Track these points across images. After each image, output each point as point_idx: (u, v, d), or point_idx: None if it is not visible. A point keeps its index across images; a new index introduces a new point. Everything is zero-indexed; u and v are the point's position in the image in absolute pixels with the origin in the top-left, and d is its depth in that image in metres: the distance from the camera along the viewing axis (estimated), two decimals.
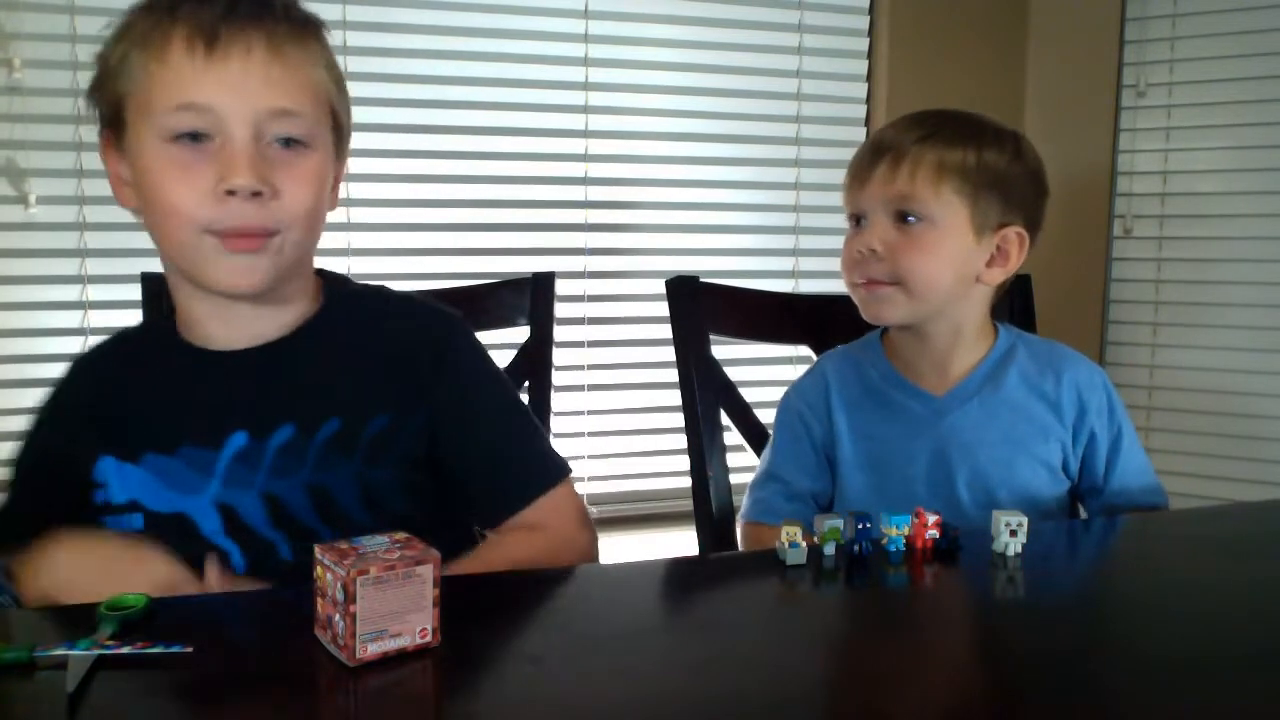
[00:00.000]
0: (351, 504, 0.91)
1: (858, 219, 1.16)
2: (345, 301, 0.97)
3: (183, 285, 0.91)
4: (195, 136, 0.81)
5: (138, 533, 0.88)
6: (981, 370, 1.18)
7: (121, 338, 1.00)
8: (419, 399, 0.94)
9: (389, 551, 0.67)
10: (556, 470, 0.99)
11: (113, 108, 0.85)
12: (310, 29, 0.88)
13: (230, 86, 0.80)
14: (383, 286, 1.02)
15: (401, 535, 0.71)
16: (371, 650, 0.65)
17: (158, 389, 0.92)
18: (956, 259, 1.12)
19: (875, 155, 1.13)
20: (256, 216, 0.83)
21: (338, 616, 0.65)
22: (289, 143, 0.85)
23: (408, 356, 0.95)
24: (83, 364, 0.98)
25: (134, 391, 0.93)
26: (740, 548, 1.24)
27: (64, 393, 0.96)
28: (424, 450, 0.94)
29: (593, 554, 0.99)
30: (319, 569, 0.66)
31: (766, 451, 1.25)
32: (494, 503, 0.96)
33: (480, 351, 1.01)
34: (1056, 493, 1.17)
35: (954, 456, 1.14)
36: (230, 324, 0.91)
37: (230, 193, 0.81)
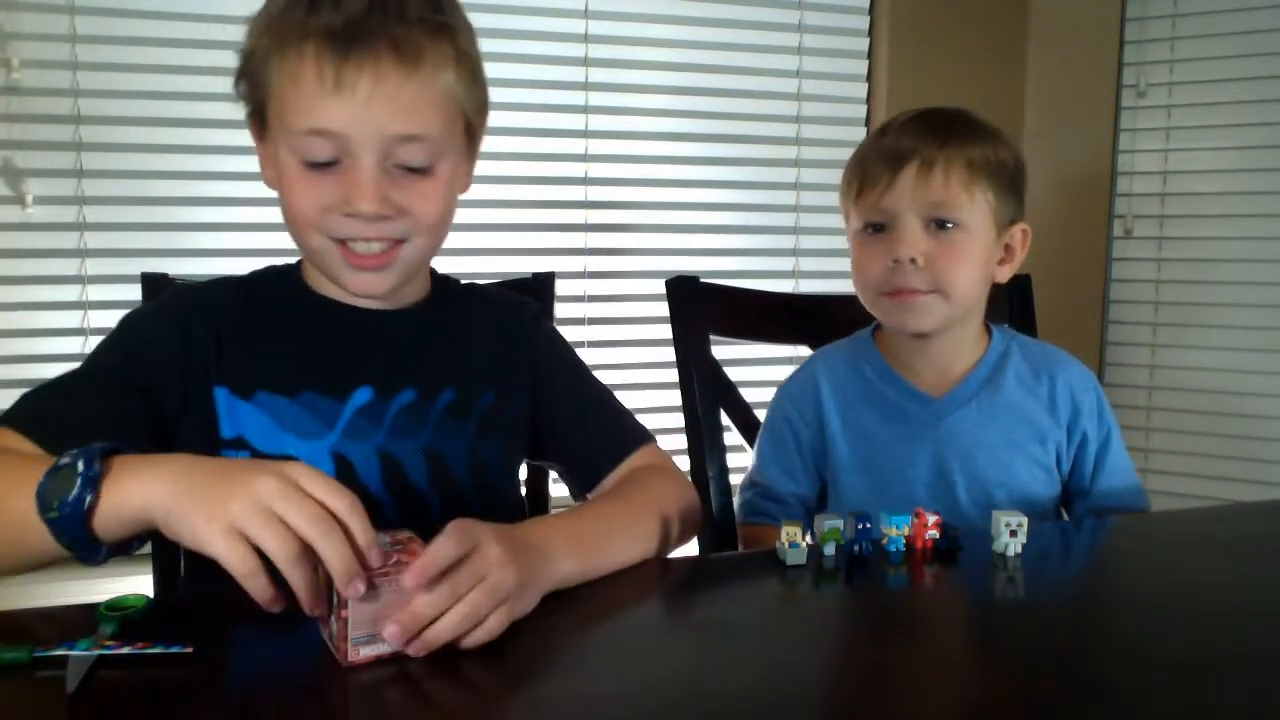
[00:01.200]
0: (462, 472, 0.94)
1: (874, 226, 1.14)
2: (451, 290, 1.03)
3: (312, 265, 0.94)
4: (319, 162, 0.84)
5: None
6: (979, 372, 1.18)
7: (241, 281, 0.98)
8: (520, 377, 1.01)
9: (385, 555, 0.66)
10: (646, 430, 1.05)
11: (256, 102, 0.87)
12: (444, 29, 0.86)
13: (358, 113, 0.81)
14: (474, 283, 1.08)
15: (404, 535, 0.70)
16: (364, 654, 0.65)
17: (284, 332, 0.93)
18: (985, 261, 1.13)
19: (896, 161, 1.10)
20: (381, 230, 0.86)
21: (333, 617, 0.65)
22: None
23: (507, 340, 1.02)
24: (195, 295, 0.94)
25: (258, 330, 0.92)
26: (740, 548, 1.25)
27: (188, 311, 0.90)
28: (526, 426, 1.01)
29: (696, 497, 1.01)
30: (321, 568, 0.66)
31: (753, 453, 1.25)
32: (602, 452, 1.01)
33: (558, 333, 1.10)
34: (1052, 494, 1.18)
35: (953, 459, 1.14)
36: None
37: (348, 215, 0.85)
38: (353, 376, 0.92)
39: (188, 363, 0.88)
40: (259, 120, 0.89)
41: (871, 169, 1.12)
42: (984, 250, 1.12)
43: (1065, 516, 1.22)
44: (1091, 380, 1.21)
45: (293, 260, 1.01)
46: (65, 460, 0.67)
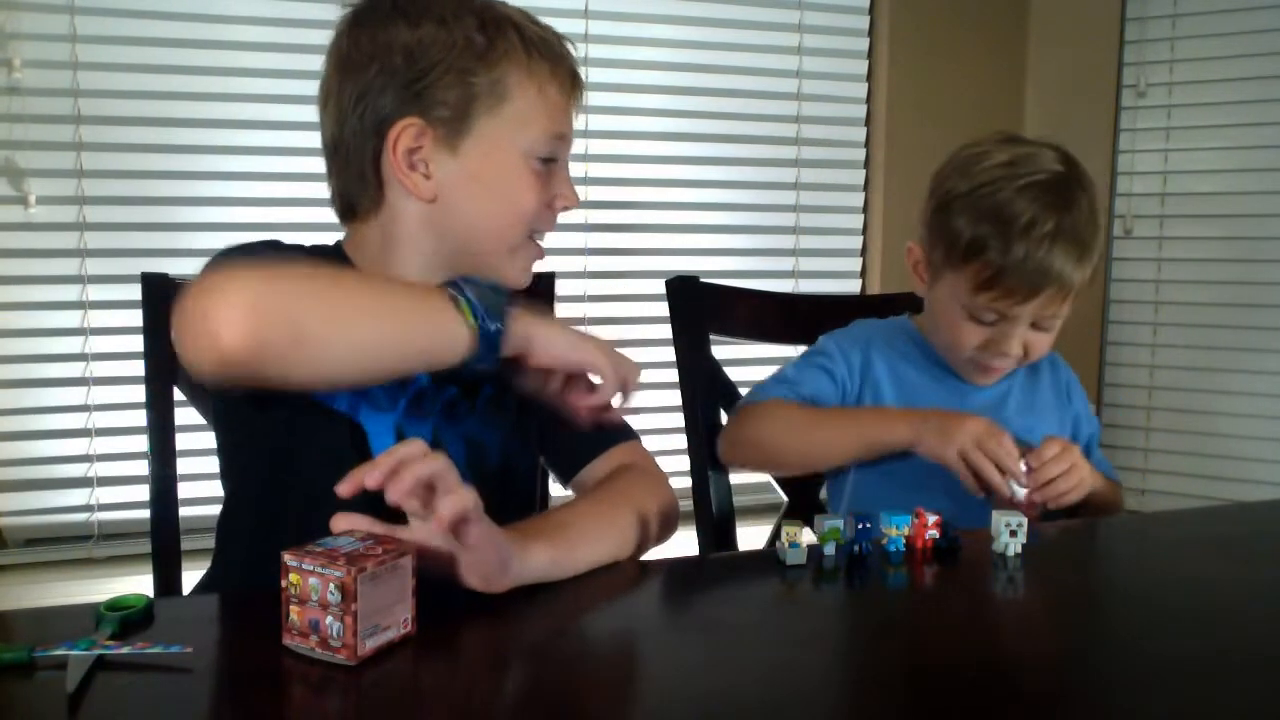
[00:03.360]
0: (496, 461, 0.99)
1: (984, 316, 1.14)
2: None
3: (430, 262, 0.95)
4: (548, 160, 0.95)
5: None
6: (1021, 371, 1.24)
7: (304, 254, 0.97)
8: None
9: (370, 548, 0.68)
10: (629, 426, 1.09)
11: (456, 109, 0.90)
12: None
13: (573, 124, 0.98)
14: None
15: (360, 532, 0.71)
16: (369, 646, 0.65)
17: None
18: None
19: (1037, 283, 1.10)
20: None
21: (329, 618, 0.65)
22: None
23: None
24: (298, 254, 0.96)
25: None
26: (727, 431, 1.24)
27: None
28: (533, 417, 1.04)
29: (674, 497, 1.05)
30: (294, 575, 0.66)
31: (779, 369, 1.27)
32: (584, 443, 1.05)
33: None
34: None
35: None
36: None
37: (565, 209, 0.98)
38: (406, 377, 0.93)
39: None
40: (445, 126, 0.91)
41: (1009, 279, 1.10)
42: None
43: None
44: (1068, 366, 1.31)
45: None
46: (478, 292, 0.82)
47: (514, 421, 1.02)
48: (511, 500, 1.02)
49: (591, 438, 1.05)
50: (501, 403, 1.01)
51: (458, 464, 0.90)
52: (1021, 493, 1.05)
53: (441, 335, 0.80)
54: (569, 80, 0.95)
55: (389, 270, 0.96)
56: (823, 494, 1.37)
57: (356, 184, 0.94)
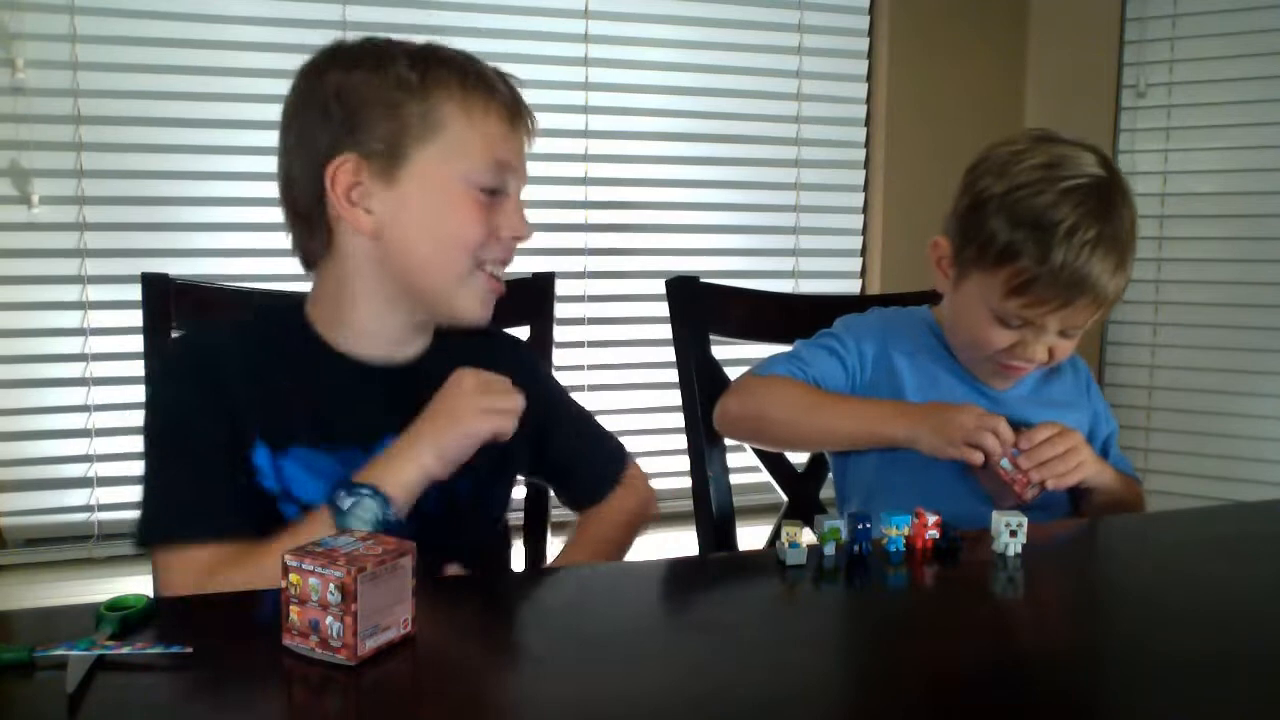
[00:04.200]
0: (467, 503, 1.01)
1: (1012, 320, 1.12)
2: (445, 333, 1.05)
3: (383, 302, 0.97)
4: (493, 191, 0.95)
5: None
6: (1038, 372, 1.22)
7: (246, 326, 1.03)
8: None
9: (370, 547, 0.68)
10: (622, 445, 1.21)
11: (388, 141, 0.92)
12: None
13: (520, 154, 0.98)
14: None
15: (359, 531, 0.71)
16: (369, 646, 0.65)
17: (311, 388, 0.96)
18: None
19: (1072, 291, 1.07)
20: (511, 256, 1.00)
21: (329, 619, 0.65)
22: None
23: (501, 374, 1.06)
24: (213, 348, 0.97)
25: (285, 386, 0.95)
26: (726, 399, 1.23)
27: (207, 376, 0.94)
28: (528, 457, 1.10)
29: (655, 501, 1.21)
30: (294, 575, 0.66)
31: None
32: (600, 477, 1.16)
33: (537, 356, 1.20)
34: None
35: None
36: (398, 346, 1.00)
37: (515, 239, 0.98)
38: (378, 427, 0.95)
39: (231, 417, 0.93)
40: (380, 161, 0.93)
41: (1044, 286, 1.07)
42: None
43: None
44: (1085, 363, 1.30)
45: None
46: (348, 500, 0.85)
47: (493, 458, 1.00)
48: (483, 528, 1.08)
49: (601, 476, 1.16)
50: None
51: (429, 508, 0.95)
52: (1007, 463, 1.05)
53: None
54: (508, 111, 0.96)
55: (345, 324, 0.97)
56: (823, 494, 1.37)
57: (307, 230, 0.98)
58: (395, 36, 0.97)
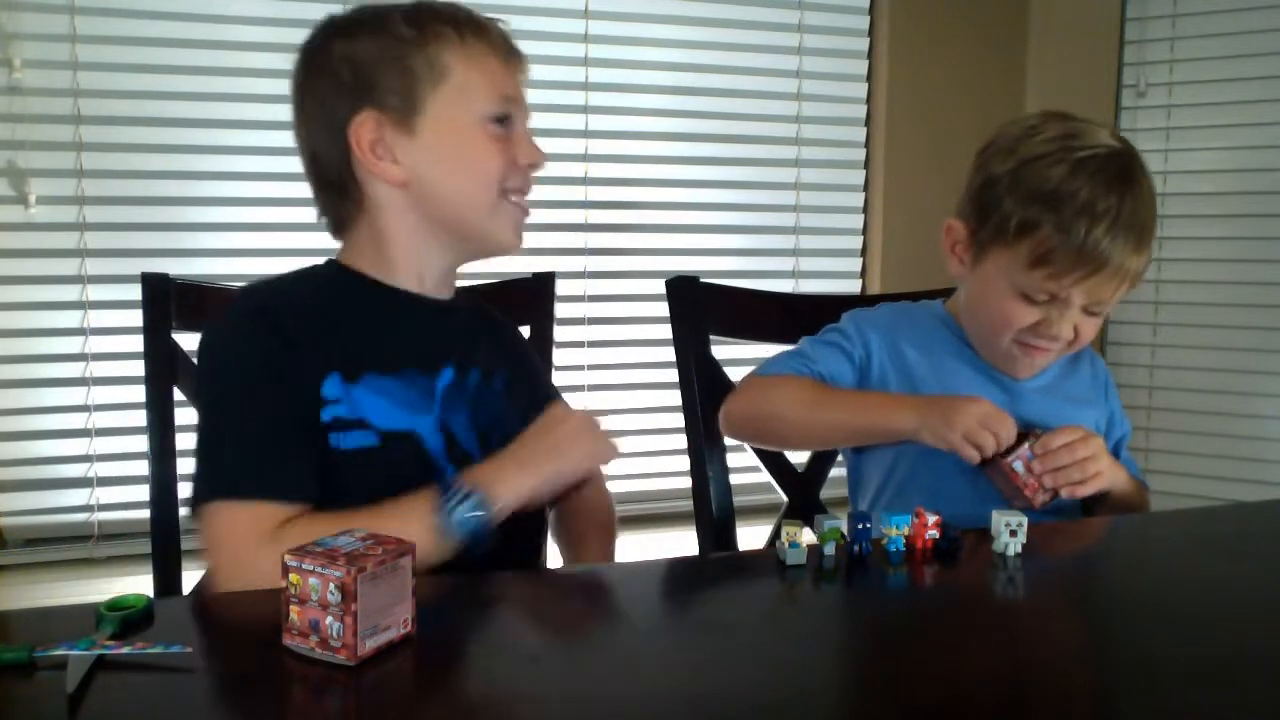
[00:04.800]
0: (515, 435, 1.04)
1: (1037, 295, 1.10)
2: (462, 290, 1.12)
3: (423, 242, 1.02)
4: (503, 121, 1.00)
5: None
6: (1061, 362, 1.21)
7: (298, 279, 1.05)
8: (528, 370, 1.17)
9: (370, 547, 0.68)
10: None
11: (402, 93, 0.97)
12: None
13: (520, 88, 1.05)
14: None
15: (361, 532, 0.71)
16: (369, 646, 0.65)
17: (370, 319, 1.01)
18: None
19: (1093, 265, 1.05)
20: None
21: (329, 619, 0.65)
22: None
23: (513, 339, 1.19)
24: (276, 300, 1.00)
25: (345, 318, 1.00)
26: (732, 400, 1.21)
27: (274, 327, 0.95)
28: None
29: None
30: (294, 575, 0.66)
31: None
32: None
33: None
34: None
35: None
36: (442, 281, 1.06)
37: (532, 166, 1.03)
38: (439, 356, 1.02)
39: (301, 360, 0.94)
40: (396, 113, 0.97)
41: (1067, 256, 1.05)
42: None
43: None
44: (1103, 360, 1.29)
45: (294, 262, 1.07)
46: (456, 496, 0.89)
47: (530, 410, 1.05)
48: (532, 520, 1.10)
49: None
50: (515, 392, 1.09)
51: (495, 443, 1.00)
52: (1020, 465, 1.04)
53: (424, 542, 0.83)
54: (503, 48, 1.03)
55: (390, 263, 1.02)
56: (823, 494, 1.37)
57: (338, 194, 1.01)
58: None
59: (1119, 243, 1.05)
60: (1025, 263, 1.07)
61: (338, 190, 1.01)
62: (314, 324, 0.97)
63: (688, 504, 1.35)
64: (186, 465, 1.14)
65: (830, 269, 2.32)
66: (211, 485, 0.89)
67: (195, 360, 1.00)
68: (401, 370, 0.98)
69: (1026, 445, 1.05)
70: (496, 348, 1.12)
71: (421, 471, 0.95)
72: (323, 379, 0.94)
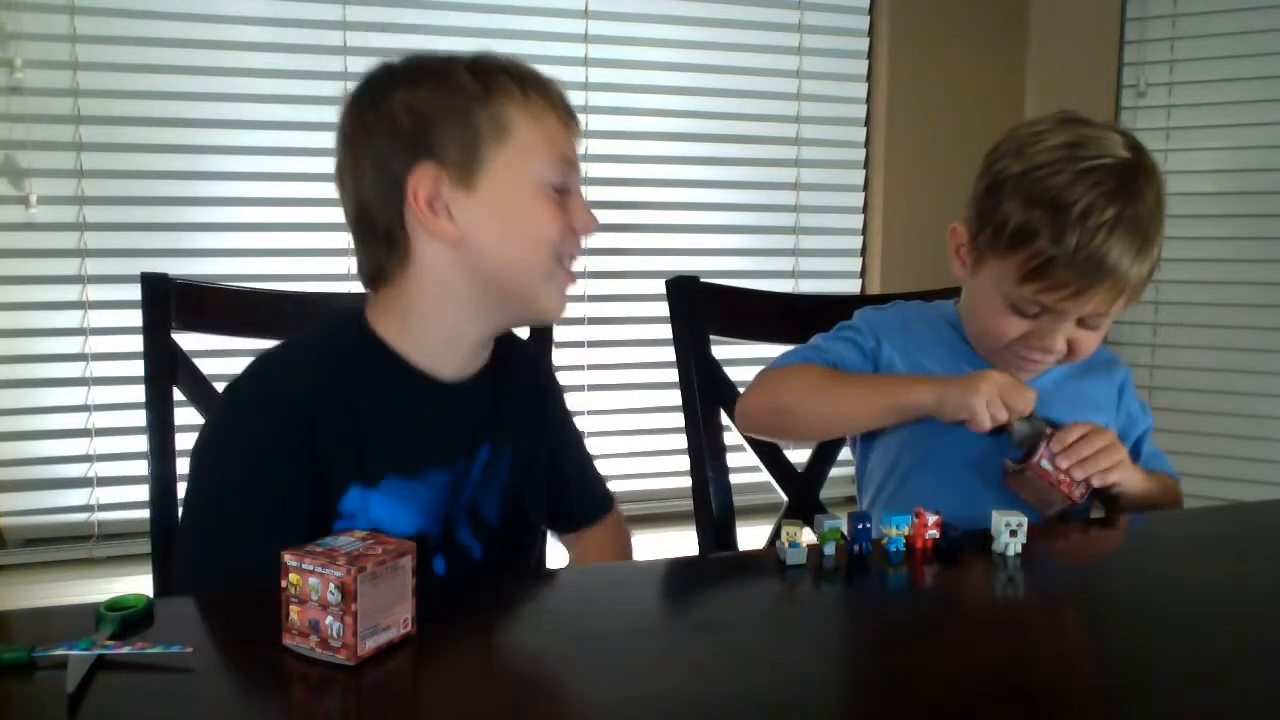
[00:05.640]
0: (516, 510, 1.04)
1: (1028, 308, 1.08)
2: (499, 344, 1.06)
3: (465, 309, 0.96)
4: (562, 185, 0.97)
5: None
6: (1076, 366, 1.18)
7: (320, 353, 0.97)
8: (543, 421, 1.11)
9: (370, 547, 0.68)
10: (612, 495, 1.23)
11: (464, 148, 0.93)
12: None
13: (576, 150, 1.02)
14: (507, 331, 1.09)
15: (359, 532, 0.71)
16: (369, 646, 0.65)
17: (396, 413, 0.95)
18: None
19: (1091, 277, 1.03)
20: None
21: (329, 618, 0.65)
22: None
23: (533, 388, 1.12)
24: (297, 387, 0.92)
25: (372, 414, 0.94)
26: (746, 396, 1.21)
27: (294, 419, 0.90)
28: (546, 464, 1.11)
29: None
30: (294, 575, 0.66)
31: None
32: (588, 505, 1.19)
33: (555, 377, 1.20)
34: None
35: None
36: (469, 360, 1.00)
37: (585, 232, 1.00)
38: (455, 447, 0.99)
39: (316, 460, 0.91)
40: (456, 168, 0.93)
41: (1060, 270, 1.03)
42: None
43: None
44: (1123, 362, 1.27)
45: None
46: None
47: (534, 468, 1.07)
48: (529, 535, 1.09)
49: (592, 505, 1.19)
50: (522, 458, 1.05)
51: (493, 519, 1.01)
52: (1047, 464, 1.03)
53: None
54: (563, 109, 0.99)
55: (421, 328, 0.96)
56: (823, 494, 1.37)
57: (385, 247, 0.95)
58: (441, 49, 0.98)
59: (1113, 256, 1.02)
60: (1017, 275, 1.05)
61: (385, 243, 0.94)
62: (339, 423, 0.91)
63: (688, 504, 1.35)
64: (186, 466, 1.15)
65: (830, 269, 2.32)
66: (204, 582, 0.88)
67: (204, 425, 0.97)
68: (422, 471, 0.95)
69: (1043, 446, 1.04)
70: (513, 415, 1.05)
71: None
72: (343, 493, 0.91)
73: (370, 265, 0.97)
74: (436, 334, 0.96)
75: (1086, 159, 1.04)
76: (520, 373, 1.09)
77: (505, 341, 1.06)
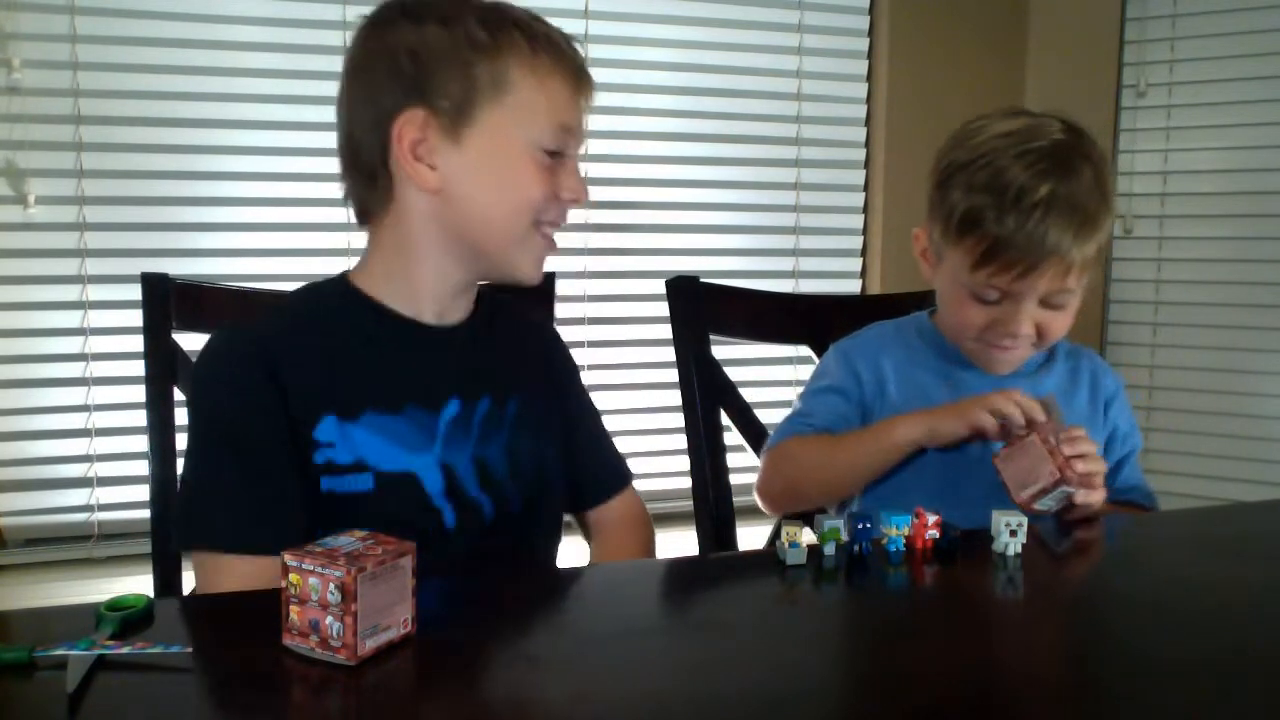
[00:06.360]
0: (532, 468, 1.03)
1: (986, 294, 1.10)
2: (489, 304, 1.07)
3: (441, 258, 0.97)
4: (554, 152, 0.95)
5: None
6: (1035, 360, 1.20)
7: (293, 308, 1.01)
8: (549, 384, 1.10)
9: (370, 547, 0.68)
10: (628, 469, 1.20)
11: (458, 100, 0.91)
12: None
13: (581, 118, 0.99)
14: (498, 295, 1.09)
15: (359, 532, 0.71)
16: (369, 646, 0.65)
17: (374, 352, 0.97)
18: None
19: (1034, 256, 1.05)
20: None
21: (329, 619, 0.65)
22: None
23: (543, 355, 1.12)
24: (264, 336, 0.95)
25: (347, 352, 0.96)
26: (758, 482, 1.22)
27: (260, 368, 0.92)
28: (559, 430, 1.09)
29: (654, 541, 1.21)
30: (294, 575, 0.66)
31: (796, 401, 1.25)
32: (601, 482, 1.16)
33: (572, 356, 1.19)
34: None
35: None
36: (451, 306, 1.01)
37: (573, 202, 0.99)
38: (443, 389, 0.98)
39: (289, 405, 0.91)
40: (448, 117, 0.92)
41: (1004, 251, 1.06)
42: (1081, 296, 1.12)
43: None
44: (1119, 377, 1.27)
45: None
46: None
47: (544, 431, 1.05)
48: (545, 504, 1.06)
49: (606, 478, 1.16)
50: (529, 415, 1.04)
51: (502, 476, 0.99)
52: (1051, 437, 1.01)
53: None
54: (574, 75, 0.96)
55: (406, 272, 0.97)
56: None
57: (368, 184, 0.96)
58: None
59: (1055, 233, 1.04)
60: (969, 262, 1.08)
61: (366, 177, 0.96)
62: (309, 359, 0.93)
63: (688, 504, 1.35)
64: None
65: (830, 269, 2.32)
66: (191, 531, 0.91)
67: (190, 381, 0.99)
68: (404, 408, 0.95)
69: (1051, 420, 1.03)
70: (513, 369, 1.06)
71: (419, 513, 0.93)
72: (316, 422, 0.91)
73: (355, 200, 0.99)
74: (416, 278, 0.98)
75: (1023, 143, 1.08)
76: (522, 330, 1.10)
77: (493, 298, 1.07)
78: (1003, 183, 1.06)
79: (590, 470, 1.14)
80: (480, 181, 0.94)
